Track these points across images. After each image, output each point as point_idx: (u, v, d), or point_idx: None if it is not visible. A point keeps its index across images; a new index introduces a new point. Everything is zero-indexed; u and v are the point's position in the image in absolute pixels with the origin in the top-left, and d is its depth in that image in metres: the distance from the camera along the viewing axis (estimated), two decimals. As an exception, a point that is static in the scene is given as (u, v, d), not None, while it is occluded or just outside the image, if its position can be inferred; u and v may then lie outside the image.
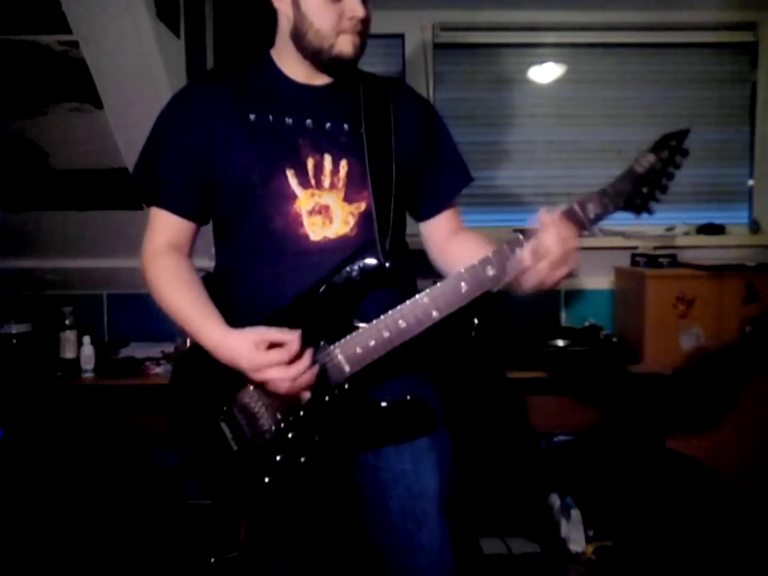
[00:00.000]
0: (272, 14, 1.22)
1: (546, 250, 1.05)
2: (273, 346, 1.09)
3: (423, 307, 1.10)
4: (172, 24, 2.05)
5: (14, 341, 2.34)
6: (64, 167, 2.34)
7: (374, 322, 1.12)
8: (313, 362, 1.12)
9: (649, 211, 1.08)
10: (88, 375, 2.24)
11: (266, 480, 1.17)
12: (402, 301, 1.11)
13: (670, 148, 1.06)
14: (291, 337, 1.08)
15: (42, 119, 2.17)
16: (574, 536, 2.23)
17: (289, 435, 1.15)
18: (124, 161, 2.25)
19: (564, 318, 2.75)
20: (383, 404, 1.16)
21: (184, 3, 2.14)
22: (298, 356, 1.09)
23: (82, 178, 2.36)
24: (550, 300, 2.74)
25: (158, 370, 2.24)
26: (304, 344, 1.13)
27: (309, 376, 1.10)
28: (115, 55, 1.94)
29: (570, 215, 1.07)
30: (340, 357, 1.14)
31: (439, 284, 1.11)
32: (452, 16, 2.65)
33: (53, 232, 2.52)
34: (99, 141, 2.21)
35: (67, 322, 2.30)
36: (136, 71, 1.97)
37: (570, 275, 1.08)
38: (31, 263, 2.61)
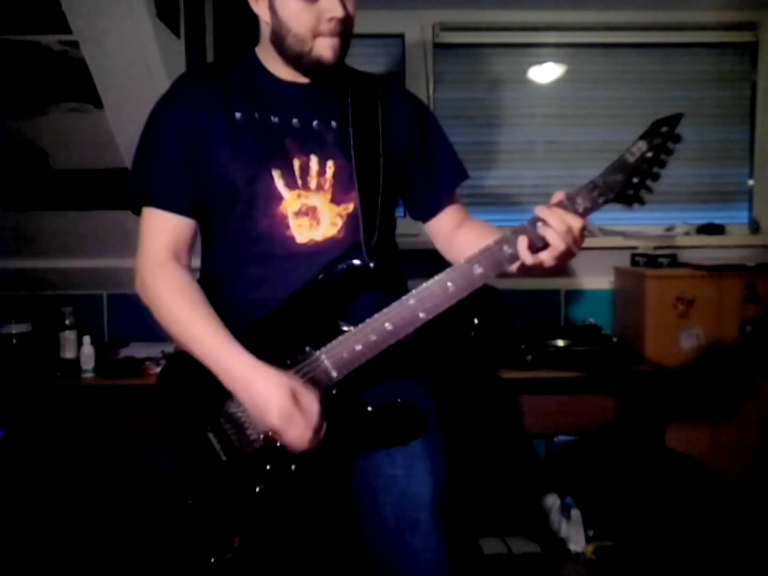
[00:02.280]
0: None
1: (548, 241, 1.03)
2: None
3: (410, 308, 1.07)
4: (172, 24, 2.05)
5: (14, 341, 2.33)
6: (63, 167, 2.34)
7: (360, 325, 1.09)
8: (300, 369, 1.11)
9: (641, 202, 1.04)
10: (88, 375, 2.24)
11: (257, 489, 1.14)
12: (390, 303, 1.08)
13: (662, 135, 1.02)
14: (314, 408, 1.07)
15: (42, 119, 2.17)
16: (574, 536, 2.23)
17: (278, 443, 1.12)
18: (124, 161, 2.24)
19: (564, 318, 2.75)
20: (372, 409, 1.15)
21: (184, 3, 2.14)
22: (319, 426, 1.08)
23: (82, 178, 2.36)
24: (550, 300, 2.74)
25: (158, 370, 2.23)
26: (291, 350, 1.11)
27: (312, 447, 1.09)
28: (115, 55, 1.94)
29: (561, 207, 1.05)
30: (326, 362, 1.11)
31: (425, 285, 1.07)
32: (452, 16, 2.65)
33: (53, 232, 2.52)
34: (99, 141, 2.21)
35: (67, 322, 2.30)
36: (136, 71, 1.97)
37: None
38: (31, 263, 2.61)
